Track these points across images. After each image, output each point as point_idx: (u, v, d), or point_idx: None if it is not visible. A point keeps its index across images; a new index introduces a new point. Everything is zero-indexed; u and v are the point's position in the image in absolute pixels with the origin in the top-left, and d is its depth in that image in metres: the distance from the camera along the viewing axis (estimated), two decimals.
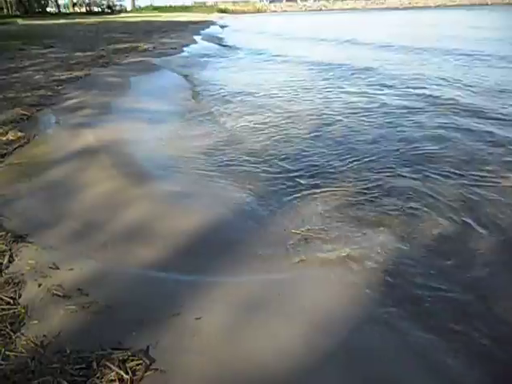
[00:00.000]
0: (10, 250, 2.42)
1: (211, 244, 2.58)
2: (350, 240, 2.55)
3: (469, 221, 2.77)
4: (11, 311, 1.93)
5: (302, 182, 3.47)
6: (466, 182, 3.35)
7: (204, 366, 1.65)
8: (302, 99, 6.54)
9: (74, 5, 66.14)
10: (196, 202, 3.17)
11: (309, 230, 2.68)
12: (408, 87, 7.01)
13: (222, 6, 71.83)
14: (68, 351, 1.69)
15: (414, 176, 3.48)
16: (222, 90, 7.41)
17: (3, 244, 2.47)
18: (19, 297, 2.04)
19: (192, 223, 2.78)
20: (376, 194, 3.18)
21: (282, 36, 20.82)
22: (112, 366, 1.61)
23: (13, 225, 2.75)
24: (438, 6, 57.96)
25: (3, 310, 1.94)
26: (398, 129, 4.82)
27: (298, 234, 2.64)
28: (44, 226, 2.76)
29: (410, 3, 63.20)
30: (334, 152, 4.14)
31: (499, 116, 5.12)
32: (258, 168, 3.80)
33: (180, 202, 3.15)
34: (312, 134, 4.72)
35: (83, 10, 65.29)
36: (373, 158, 3.93)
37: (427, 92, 6.59)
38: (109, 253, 2.47)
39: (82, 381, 1.56)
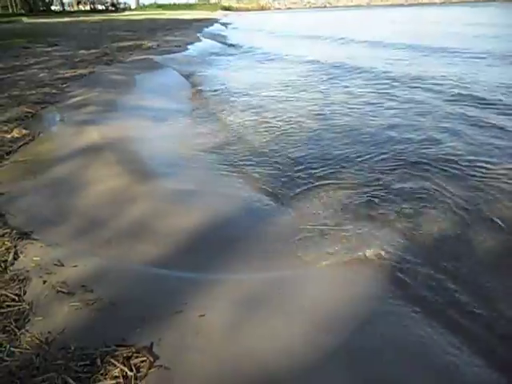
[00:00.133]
0: (15, 246, 2.43)
1: (214, 241, 2.58)
2: (353, 238, 2.54)
3: (482, 220, 2.73)
4: (16, 308, 1.94)
5: (306, 179, 3.46)
6: (477, 180, 3.30)
7: (207, 363, 1.65)
8: (307, 97, 6.51)
9: (79, 3, 66.39)
10: (200, 199, 3.16)
11: (313, 227, 2.67)
12: (411, 86, 6.95)
13: (226, 4, 71.85)
14: (72, 348, 1.69)
15: (422, 174, 3.44)
16: (226, 88, 7.41)
17: (8, 241, 2.48)
18: (24, 293, 2.04)
19: (196, 220, 2.78)
20: (380, 193, 3.15)
21: (285, 34, 20.78)
22: (116, 362, 1.61)
23: (18, 222, 2.76)
24: (443, 3, 57.62)
25: (8, 306, 1.95)
26: (405, 123, 4.82)
27: (301, 231, 2.63)
28: (49, 223, 2.77)
29: (415, 0, 62.88)
30: (339, 149, 4.12)
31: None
32: (262, 166, 3.80)
33: (184, 200, 3.15)
34: (317, 132, 4.71)
35: (87, 8, 65.50)
36: (378, 155, 3.91)
37: (433, 88, 6.54)
38: (113, 250, 2.47)
39: (87, 377, 1.56)
